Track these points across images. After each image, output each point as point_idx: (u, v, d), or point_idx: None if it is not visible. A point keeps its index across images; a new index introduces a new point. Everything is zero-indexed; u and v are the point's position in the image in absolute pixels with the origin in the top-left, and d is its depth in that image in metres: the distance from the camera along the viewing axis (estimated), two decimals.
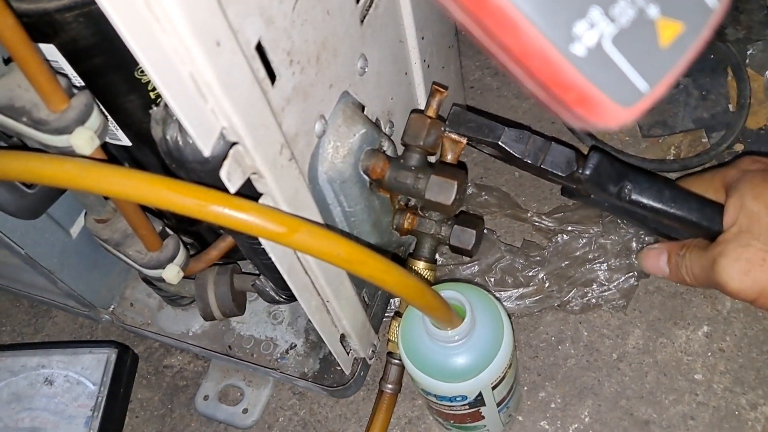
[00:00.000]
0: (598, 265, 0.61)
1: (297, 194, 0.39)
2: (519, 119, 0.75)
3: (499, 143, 0.51)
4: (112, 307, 0.68)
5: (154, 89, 0.44)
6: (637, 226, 0.61)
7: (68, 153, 0.37)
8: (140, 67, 0.42)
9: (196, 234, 0.61)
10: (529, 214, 0.66)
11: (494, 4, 0.19)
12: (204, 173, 0.39)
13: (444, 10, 0.21)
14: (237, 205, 0.34)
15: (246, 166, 0.34)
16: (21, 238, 0.56)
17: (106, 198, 0.49)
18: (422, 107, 0.57)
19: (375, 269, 0.38)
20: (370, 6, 0.44)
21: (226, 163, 0.33)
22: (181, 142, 0.38)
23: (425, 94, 0.57)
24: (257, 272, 0.59)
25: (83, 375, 0.62)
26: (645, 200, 0.50)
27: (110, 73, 0.43)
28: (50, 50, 0.40)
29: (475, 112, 0.54)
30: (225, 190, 0.34)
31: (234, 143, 0.33)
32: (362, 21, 0.44)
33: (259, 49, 0.33)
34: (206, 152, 0.31)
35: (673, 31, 0.19)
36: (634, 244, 0.61)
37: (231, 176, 0.33)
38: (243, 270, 0.62)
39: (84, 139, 0.36)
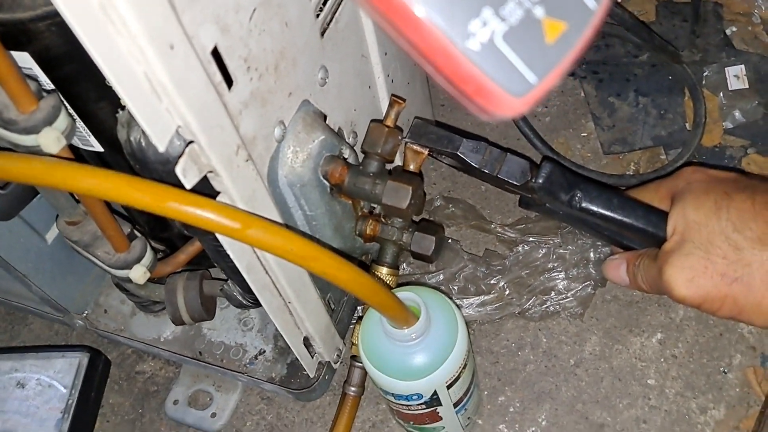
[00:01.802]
0: (556, 274, 0.63)
1: (254, 194, 0.41)
2: (486, 135, 0.78)
3: (458, 153, 0.53)
4: (86, 312, 0.69)
5: None
6: (592, 236, 0.63)
7: (36, 152, 0.39)
8: None
9: (168, 240, 0.62)
10: (492, 226, 0.69)
11: (399, 5, 0.21)
12: (165, 173, 0.41)
13: (368, 14, 0.23)
14: (193, 201, 0.36)
15: (202, 164, 0.36)
16: None
17: (76, 201, 0.51)
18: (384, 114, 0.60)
19: (328, 265, 0.40)
20: (330, 20, 0.47)
21: (182, 160, 0.35)
22: (144, 144, 0.40)
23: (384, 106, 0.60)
24: (226, 278, 0.61)
25: (55, 378, 0.64)
26: (594, 208, 0.52)
27: (82, 81, 0.45)
28: (24, 58, 0.42)
29: (441, 126, 0.56)
30: (180, 187, 0.36)
31: (190, 142, 0.35)
32: (322, 34, 0.46)
33: (216, 54, 0.35)
34: (161, 148, 0.34)
35: (558, 29, 0.21)
36: (591, 254, 0.64)
37: (186, 173, 0.35)
38: (213, 276, 0.64)
39: (51, 139, 0.38)
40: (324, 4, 0.46)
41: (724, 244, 0.47)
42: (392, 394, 0.50)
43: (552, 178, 0.52)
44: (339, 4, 0.48)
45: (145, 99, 0.32)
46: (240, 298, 0.58)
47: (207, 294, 0.60)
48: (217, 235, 0.40)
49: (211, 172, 0.37)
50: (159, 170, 0.40)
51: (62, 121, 0.39)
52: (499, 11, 0.21)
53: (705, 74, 0.75)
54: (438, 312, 0.49)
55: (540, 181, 0.52)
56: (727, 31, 0.78)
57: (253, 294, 0.56)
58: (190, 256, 0.56)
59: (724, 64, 0.75)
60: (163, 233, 0.61)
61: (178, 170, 0.35)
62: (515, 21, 0.21)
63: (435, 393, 0.49)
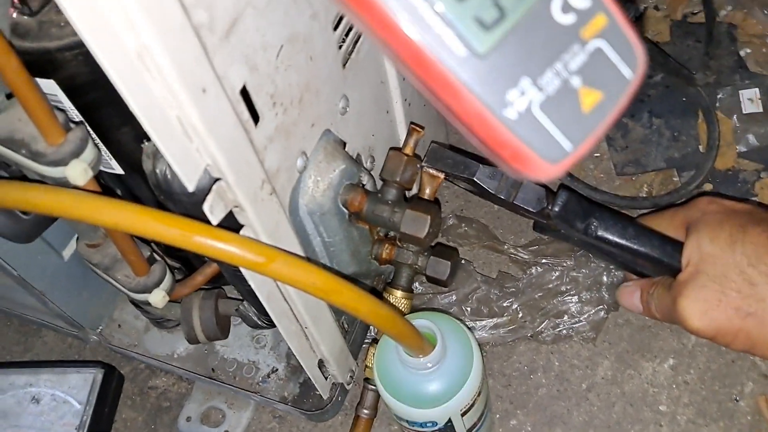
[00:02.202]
0: (569, 297, 0.64)
1: (277, 226, 0.42)
2: None
3: (474, 179, 0.54)
4: (100, 328, 0.70)
5: None
6: (605, 262, 0.63)
7: (63, 183, 0.40)
8: None
9: (184, 259, 0.63)
10: (505, 246, 0.69)
11: (439, 73, 0.22)
12: (190, 205, 0.41)
13: (402, 72, 0.24)
14: (218, 236, 0.36)
15: (228, 200, 0.37)
16: (14, 260, 0.58)
17: None
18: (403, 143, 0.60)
19: (349, 298, 0.40)
20: (352, 51, 0.48)
21: (209, 198, 0.35)
22: (169, 176, 0.41)
23: (406, 130, 0.60)
24: (241, 297, 0.62)
25: (70, 394, 0.64)
26: (610, 236, 0.53)
27: (106, 107, 0.45)
28: (50, 85, 0.43)
29: (456, 150, 0.57)
30: (206, 221, 0.37)
31: (217, 179, 0.36)
32: (344, 65, 0.47)
33: (244, 92, 0.36)
34: (190, 188, 0.34)
35: (594, 98, 0.22)
36: (604, 278, 0.64)
37: (213, 209, 0.36)
38: (228, 295, 0.65)
39: (78, 171, 0.39)
40: (346, 35, 0.46)
41: (739, 278, 0.47)
42: (406, 420, 0.50)
43: (568, 206, 0.52)
44: (360, 35, 0.48)
45: (177, 141, 0.32)
46: (255, 319, 0.58)
47: (222, 313, 0.61)
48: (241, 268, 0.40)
49: (236, 206, 0.38)
50: (184, 202, 0.41)
51: (89, 153, 0.40)
52: (537, 81, 0.21)
53: (719, 96, 0.75)
54: (453, 339, 0.49)
55: (556, 209, 0.52)
56: (741, 53, 0.79)
57: (269, 316, 0.57)
58: (207, 278, 0.56)
59: (738, 86, 0.75)
60: (180, 251, 0.62)
61: (206, 207, 0.35)
62: (552, 91, 0.21)
63: (449, 421, 0.50)
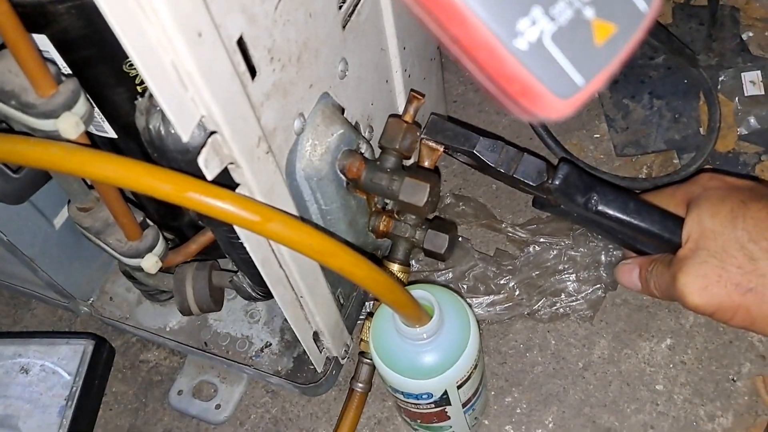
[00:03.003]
0: (567, 276, 0.63)
1: (273, 187, 0.41)
2: (499, 133, 0.77)
3: (474, 152, 0.53)
4: (92, 299, 0.69)
5: (141, 83, 0.45)
6: (604, 238, 0.63)
7: (54, 137, 0.39)
8: (129, 61, 0.43)
9: (178, 230, 0.62)
10: (503, 225, 0.68)
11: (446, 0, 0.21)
12: (184, 163, 0.40)
13: (409, 7, 0.23)
14: (213, 192, 0.35)
15: (223, 155, 0.36)
16: (4, 225, 0.57)
17: (89, 187, 0.50)
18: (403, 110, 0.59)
19: (345, 262, 0.39)
20: (352, 12, 0.46)
21: (204, 151, 0.34)
22: (163, 132, 0.40)
23: (405, 101, 0.59)
24: (235, 269, 0.61)
25: (59, 365, 0.63)
26: (610, 211, 0.52)
27: (99, 65, 0.44)
28: (42, 40, 0.42)
29: (455, 123, 0.56)
30: (204, 179, 0.36)
31: (213, 132, 0.35)
32: (344, 26, 0.46)
33: (241, 44, 0.35)
34: (185, 138, 0.33)
35: (607, 31, 0.21)
36: (602, 257, 0.63)
37: (208, 164, 0.35)
38: (222, 267, 0.64)
39: (70, 124, 0.37)
40: None
41: (739, 253, 0.47)
42: (402, 392, 0.50)
43: (569, 179, 0.51)
44: None
45: (172, 88, 0.31)
46: (249, 291, 0.57)
47: (216, 285, 0.60)
48: (235, 228, 0.40)
49: (232, 163, 0.37)
50: (178, 159, 0.40)
51: (81, 106, 0.39)
52: (549, 10, 0.20)
53: (721, 79, 0.74)
54: (451, 311, 0.49)
55: (557, 182, 0.51)
56: (744, 36, 0.78)
57: (264, 287, 0.56)
58: (201, 247, 0.55)
59: (741, 69, 0.75)
60: (174, 222, 0.61)
61: (200, 161, 0.34)
62: (565, 21, 0.20)
63: (445, 393, 0.49)
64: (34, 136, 0.40)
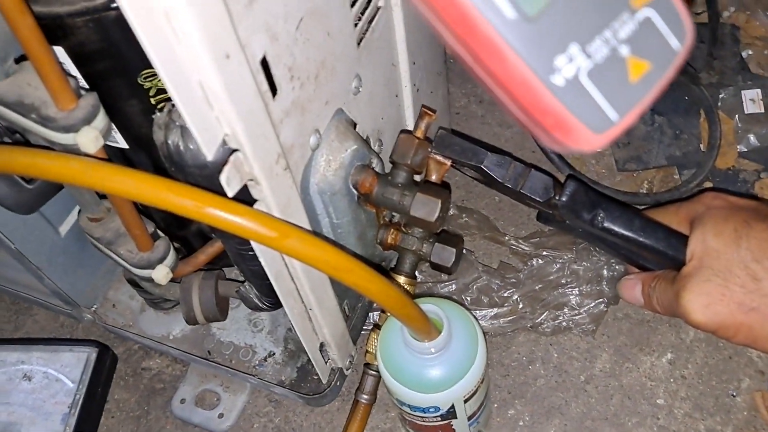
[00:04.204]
0: (570, 289, 0.64)
1: (289, 203, 0.41)
2: (501, 146, 0.78)
3: (482, 167, 0.53)
4: (95, 307, 0.69)
5: (155, 95, 0.45)
6: (608, 254, 0.64)
7: (73, 150, 0.39)
8: (144, 74, 0.44)
9: (183, 239, 0.62)
10: (506, 238, 0.69)
11: (485, 35, 0.21)
12: (201, 177, 0.41)
13: (437, 36, 0.23)
14: (233, 208, 0.35)
15: (244, 172, 0.36)
16: (12, 233, 0.57)
17: (101, 197, 0.50)
18: (410, 128, 0.60)
19: (360, 278, 0.40)
20: (366, 30, 0.47)
21: (226, 169, 0.35)
22: (181, 147, 0.40)
23: (413, 116, 0.60)
24: (241, 279, 0.61)
25: (62, 372, 0.63)
26: (616, 228, 0.52)
27: (114, 78, 0.45)
28: (58, 52, 0.42)
29: (460, 137, 0.56)
30: (221, 194, 0.36)
31: (234, 150, 0.35)
32: (359, 43, 0.46)
33: (264, 63, 0.35)
34: (209, 156, 0.33)
35: (642, 69, 0.21)
36: (605, 272, 0.64)
37: (230, 181, 0.35)
38: (227, 277, 0.64)
39: (89, 138, 0.38)
40: (362, 13, 0.46)
41: (743, 272, 0.47)
42: (408, 405, 0.50)
43: (575, 196, 0.52)
44: (375, 14, 0.48)
45: (198, 107, 0.32)
46: (256, 301, 0.58)
47: (222, 295, 0.60)
48: (252, 243, 0.40)
49: (251, 180, 0.37)
50: (195, 174, 0.40)
51: (101, 120, 0.39)
52: (586, 48, 0.21)
53: (721, 96, 0.75)
54: (459, 326, 0.49)
55: (564, 199, 0.52)
56: (744, 54, 0.79)
57: (271, 297, 0.57)
58: (209, 257, 0.55)
59: (741, 87, 0.76)
60: (180, 232, 0.61)
61: (223, 178, 0.35)
62: (601, 59, 0.21)
63: (452, 406, 0.50)
64: (52, 149, 0.40)
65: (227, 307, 0.63)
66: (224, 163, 0.36)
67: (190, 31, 0.29)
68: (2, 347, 0.65)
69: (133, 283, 0.63)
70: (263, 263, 0.42)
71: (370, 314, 0.66)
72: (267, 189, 0.38)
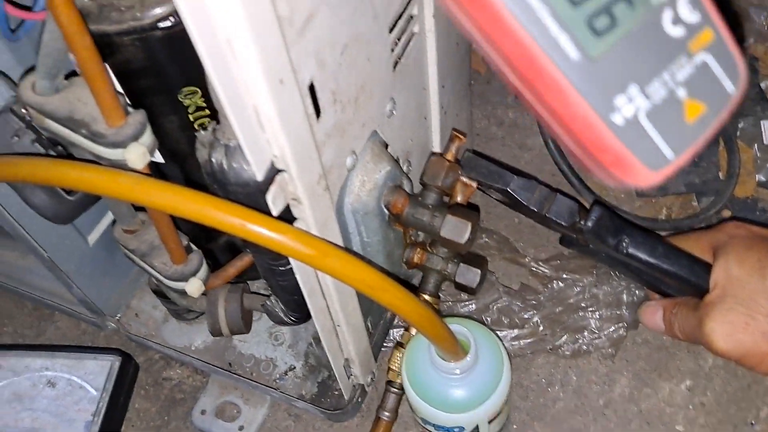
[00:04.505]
0: (590, 313, 0.64)
1: (327, 221, 0.42)
2: (521, 168, 0.79)
3: (509, 190, 0.54)
4: (118, 316, 0.70)
5: (193, 112, 0.47)
6: (629, 278, 0.64)
7: (119, 166, 0.40)
8: (184, 91, 0.45)
9: (209, 251, 0.63)
10: (526, 259, 0.70)
11: (549, 75, 0.22)
12: (243, 195, 0.41)
13: (497, 73, 0.24)
14: (276, 227, 0.36)
15: (288, 192, 0.37)
16: (44, 242, 0.58)
17: (136, 209, 0.51)
18: (437, 149, 0.61)
19: (395, 297, 0.41)
20: (401, 55, 0.48)
21: (273, 189, 0.36)
22: (225, 166, 0.41)
23: (440, 137, 0.61)
24: (265, 293, 0.62)
25: (86, 380, 0.64)
26: (640, 254, 0.53)
27: (156, 95, 0.46)
28: None
29: (485, 158, 0.57)
30: (260, 211, 0.37)
31: (280, 170, 0.36)
32: (394, 67, 0.47)
33: (311, 88, 0.36)
34: (259, 177, 0.34)
35: (697, 110, 0.22)
36: (624, 296, 0.65)
37: (275, 201, 0.36)
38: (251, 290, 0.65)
39: (137, 154, 0.39)
40: (399, 39, 0.47)
41: (767, 302, 0.48)
42: (433, 425, 0.51)
43: (601, 222, 0.53)
44: (410, 40, 0.49)
45: (252, 129, 0.33)
46: (282, 316, 0.58)
47: (247, 308, 0.61)
48: (291, 260, 0.41)
49: (294, 199, 0.38)
50: (237, 192, 0.41)
51: (148, 137, 0.40)
52: (645, 89, 0.22)
53: (740, 126, 0.76)
54: (486, 347, 0.50)
55: (589, 224, 0.53)
56: (762, 85, 0.80)
57: (297, 313, 0.57)
58: (238, 271, 0.56)
59: (760, 117, 0.77)
60: (207, 244, 0.62)
61: (269, 198, 0.36)
62: (659, 99, 0.22)
63: (476, 427, 0.50)
64: (98, 163, 0.41)
65: (251, 319, 0.64)
66: (269, 182, 0.37)
67: (249, 57, 0.30)
68: (27, 353, 0.66)
69: (159, 293, 0.64)
70: (299, 280, 0.43)
71: (391, 331, 0.67)
72: (308, 208, 0.39)
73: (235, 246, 0.61)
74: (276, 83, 0.32)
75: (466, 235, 0.48)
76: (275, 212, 0.37)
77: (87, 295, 0.64)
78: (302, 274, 0.43)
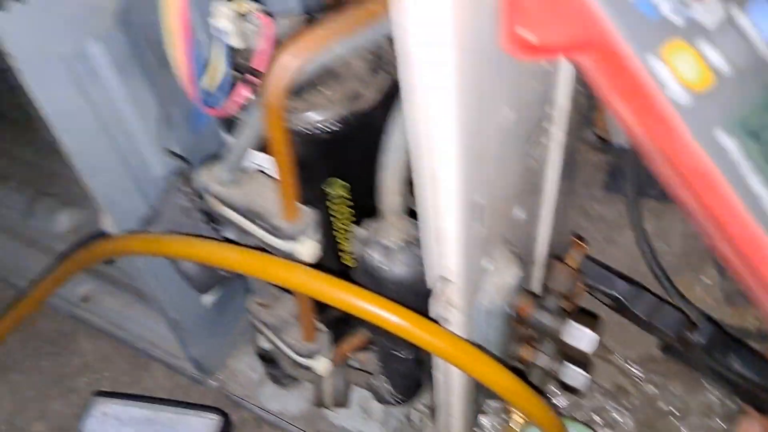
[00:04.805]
0: (681, 422, 0.65)
1: (468, 321, 0.45)
2: (612, 264, 0.80)
3: (618, 296, 0.57)
4: (219, 374, 0.73)
5: (335, 202, 0.50)
6: (724, 389, 0.65)
7: (287, 256, 0.44)
8: (328, 183, 0.49)
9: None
10: (615, 356, 0.71)
11: (750, 232, 0.25)
12: (393, 291, 0.45)
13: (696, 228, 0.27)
14: (427, 328, 0.40)
15: (450, 299, 0.40)
16: (168, 302, 0.62)
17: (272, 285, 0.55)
18: (539, 252, 0.63)
19: (528, 402, 0.43)
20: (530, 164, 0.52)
21: (438, 297, 0.39)
22: (381, 264, 0.44)
23: (545, 237, 0.63)
24: (365, 369, 0.64)
25: None
26: (748, 373, 0.55)
27: (302, 184, 0.50)
28: (264, 158, 0.47)
29: (590, 260, 0.60)
30: (403, 305, 0.40)
31: (447, 280, 0.39)
32: (523, 176, 0.51)
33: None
34: (433, 287, 0.37)
35: None
36: (718, 408, 0.65)
37: (437, 307, 0.39)
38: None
39: (308, 249, 0.42)
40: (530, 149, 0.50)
41: None
42: None
43: (712, 338, 0.55)
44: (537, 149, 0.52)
45: (429, 244, 0.36)
46: (387, 396, 0.61)
47: (351, 383, 0.63)
48: (433, 356, 0.43)
49: (449, 303, 0.41)
50: (389, 288, 0.44)
51: (316, 232, 0.44)
52: None
53: None
54: None
55: (702, 340, 0.54)
56: None
57: (404, 395, 0.60)
58: (352, 348, 0.59)
59: None
60: (318, 316, 0.65)
61: (439, 308, 0.39)
62: None
63: None
64: (265, 250, 0.45)
65: (349, 394, 0.66)
66: (430, 288, 0.40)
67: (452, 191, 0.33)
68: (132, 403, 0.69)
69: (265, 358, 0.67)
70: (439, 374, 0.45)
71: (479, 416, 0.68)
72: (459, 313, 0.42)
73: (343, 320, 0.64)
74: (461, 210, 0.35)
75: (594, 346, 0.51)
76: (434, 316, 0.40)
77: (195, 353, 0.68)
78: (441, 369, 0.45)
